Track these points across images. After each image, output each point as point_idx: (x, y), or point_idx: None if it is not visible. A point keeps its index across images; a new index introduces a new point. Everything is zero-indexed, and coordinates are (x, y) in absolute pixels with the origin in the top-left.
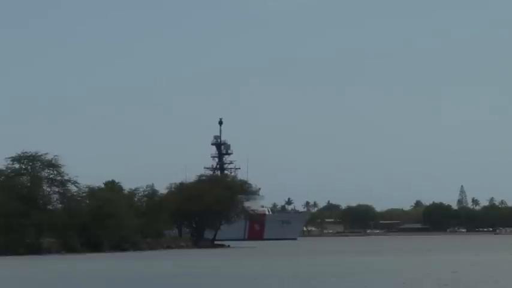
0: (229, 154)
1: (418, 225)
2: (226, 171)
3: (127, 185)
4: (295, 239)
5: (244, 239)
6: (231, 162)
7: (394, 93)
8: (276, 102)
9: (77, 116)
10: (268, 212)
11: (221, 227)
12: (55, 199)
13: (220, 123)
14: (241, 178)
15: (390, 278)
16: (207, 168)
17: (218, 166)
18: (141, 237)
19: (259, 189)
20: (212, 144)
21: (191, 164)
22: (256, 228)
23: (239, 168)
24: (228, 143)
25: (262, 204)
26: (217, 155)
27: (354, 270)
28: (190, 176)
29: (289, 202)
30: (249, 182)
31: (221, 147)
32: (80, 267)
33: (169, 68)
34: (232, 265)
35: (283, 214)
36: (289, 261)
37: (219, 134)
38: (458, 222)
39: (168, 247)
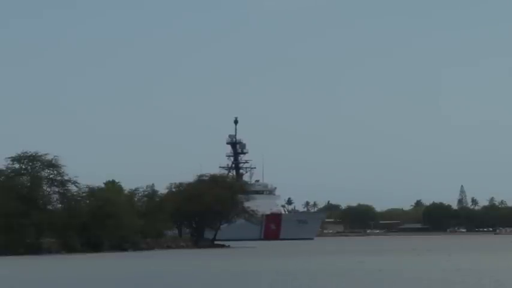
0: (244, 153)
1: (418, 225)
2: (241, 171)
3: (127, 185)
4: (311, 238)
5: (260, 239)
6: (246, 162)
7: (394, 93)
8: (274, 102)
9: (77, 116)
10: (285, 211)
11: (235, 226)
12: (55, 199)
13: (236, 122)
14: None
15: (390, 278)
16: (222, 167)
17: (233, 165)
18: (141, 237)
19: (275, 188)
20: (227, 143)
21: (206, 163)
22: (272, 228)
23: (255, 168)
24: (244, 142)
25: (278, 203)
26: (232, 154)
27: (353, 270)
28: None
29: (289, 202)
30: (265, 181)
31: (236, 146)
32: (80, 267)
33: (172, 68)
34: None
35: (300, 214)
36: (289, 261)
37: (234, 133)
38: (458, 222)
39: (168, 247)
